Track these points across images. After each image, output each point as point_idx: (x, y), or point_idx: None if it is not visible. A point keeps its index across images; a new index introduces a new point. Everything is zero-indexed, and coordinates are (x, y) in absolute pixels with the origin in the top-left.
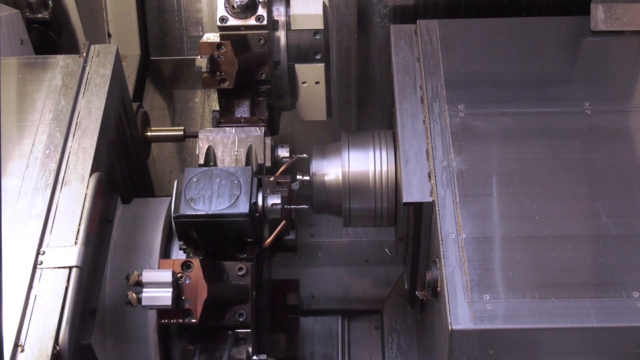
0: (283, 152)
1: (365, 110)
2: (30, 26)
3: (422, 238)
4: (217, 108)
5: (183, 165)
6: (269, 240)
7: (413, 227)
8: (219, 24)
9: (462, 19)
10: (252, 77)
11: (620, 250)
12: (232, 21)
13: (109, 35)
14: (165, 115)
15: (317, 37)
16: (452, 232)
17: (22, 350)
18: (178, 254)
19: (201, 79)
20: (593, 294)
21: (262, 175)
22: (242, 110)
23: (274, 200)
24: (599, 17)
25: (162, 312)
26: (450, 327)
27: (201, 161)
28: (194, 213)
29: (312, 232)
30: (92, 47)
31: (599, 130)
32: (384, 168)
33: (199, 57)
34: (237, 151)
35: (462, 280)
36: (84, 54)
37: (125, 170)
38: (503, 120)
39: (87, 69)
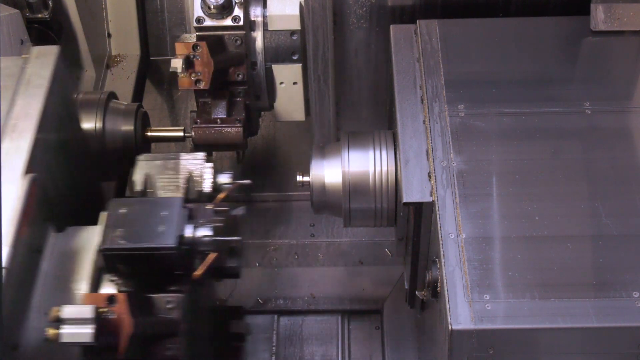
0: (224, 179)
1: (343, 109)
2: (30, 26)
3: (422, 238)
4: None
5: None
6: (197, 272)
7: (413, 227)
8: (195, 24)
9: (462, 19)
10: (229, 78)
11: (620, 250)
12: (209, 22)
13: (109, 35)
14: (165, 115)
15: (294, 37)
16: (452, 232)
17: None
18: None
19: (177, 80)
20: (593, 294)
21: (201, 203)
22: (219, 111)
23: (204, 232)
24: (599, 17)
25: (86, 348)
26: (450, 327)
27: (138, 188)
28: (119, 246)
29: (312, 232)
30: (33, 48)
31: (599, 130)
32: (384, 168)
33: (174, 58)
34: (177, 178)
35: (462, 280)
36: (25, 55)
37: (67, 176)
38: (503, 120)
39: (28, 70)
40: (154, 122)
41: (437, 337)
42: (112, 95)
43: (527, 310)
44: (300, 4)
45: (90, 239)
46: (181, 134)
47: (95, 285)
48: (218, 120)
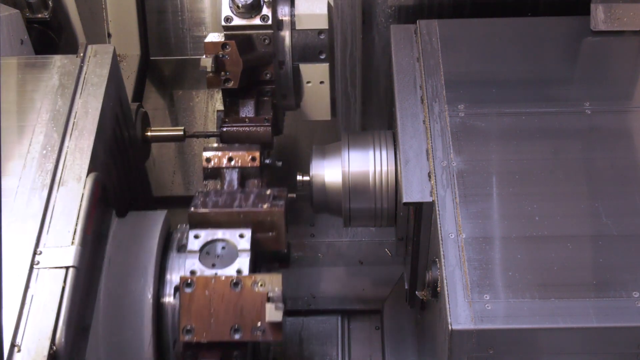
0: None
1: (369, 109)
2: (30, 26)
3: (422, 238)
4: (220, 108)
5: (184, 165)
6: None
7: (413, 227)
8: (223, 23)
9: (462, 19)
10: (257, 77)
11: (620, 250)
12: (237, 21)
13: (109, 35)
14: (165, 115)
15: (322, 36)
16: (452, 232)
17: (19, 350)
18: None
19: (206, 79)
20: (593, 294)
21: None
22: (247, 110)
23: None
24: (599, 17)
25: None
26: (450, 327)
27: None
28: None
29: (312, 232)
30: (90, 47)
31: (599, 130)
32: (384, 168)
33: (203, 56)
34: None
35: (462, 280)
36: (81, 54)
37: (122, 171)
38: (503, 120)
39: (85, 69)
40: (154, 122)
41: (437, 337)
42: None
43: (527, 310)
44: (329, 3)
45: (153, 222)
46: (181, 133)
47: (159, 268)
48: (246, 119)
